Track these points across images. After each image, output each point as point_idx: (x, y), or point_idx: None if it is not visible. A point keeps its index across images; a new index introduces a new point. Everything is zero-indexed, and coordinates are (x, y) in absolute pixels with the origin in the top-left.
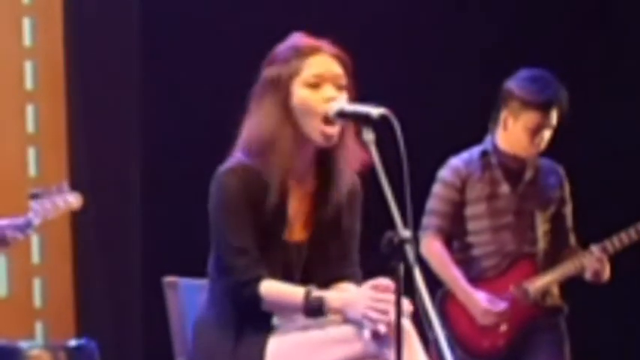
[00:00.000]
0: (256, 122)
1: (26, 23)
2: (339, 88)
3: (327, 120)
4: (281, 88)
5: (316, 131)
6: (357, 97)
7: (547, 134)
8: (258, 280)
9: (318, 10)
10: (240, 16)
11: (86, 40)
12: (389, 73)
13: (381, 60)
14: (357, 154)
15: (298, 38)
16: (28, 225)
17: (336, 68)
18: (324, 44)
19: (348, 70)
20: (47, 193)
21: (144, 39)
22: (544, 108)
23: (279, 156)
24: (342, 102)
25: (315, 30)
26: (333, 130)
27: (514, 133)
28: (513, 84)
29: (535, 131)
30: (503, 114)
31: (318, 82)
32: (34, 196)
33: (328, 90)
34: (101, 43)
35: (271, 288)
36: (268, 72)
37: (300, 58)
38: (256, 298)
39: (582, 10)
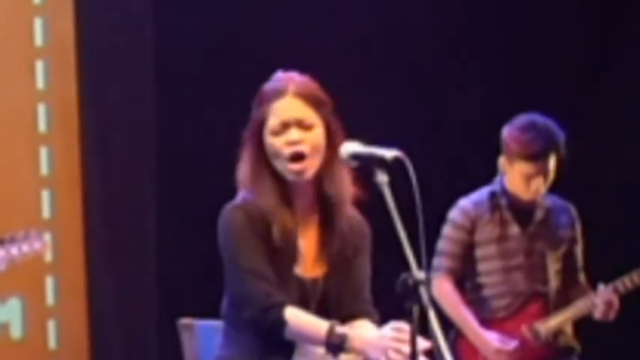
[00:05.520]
0: (243, 165)
1: (39, 66)
2: (306, 128)
3: (293, 158)
4: (255, 134)
5: (285, 170)
6: (342, 125)
7: (545, 180)
8: (282, 305)
9: (332, 42)
10: (256, 49)
11: (99, 82)
12: (399, 112)
13: (390, 99)
14: (350, 188)
15: (271, 81)
16: None
17: (299, 111)
18: (290, 84)
19: (320, 104)
20: (13, 239)
21: (158, 81)
22: (534, 159)
23: (263, 196)
24: (354, 144)
25: (328, 64)
26: (299, 165)
27: (512, 178)
28: (506, 132)
29: (529, 179)
30: (502, 159)
31: (282, 130)
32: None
33: (293, 133)
34: (115, 85)
35: (296, 315)
36: (252, 115)
37: (266, 104)
38: (281, 323)
39: (584, 54)
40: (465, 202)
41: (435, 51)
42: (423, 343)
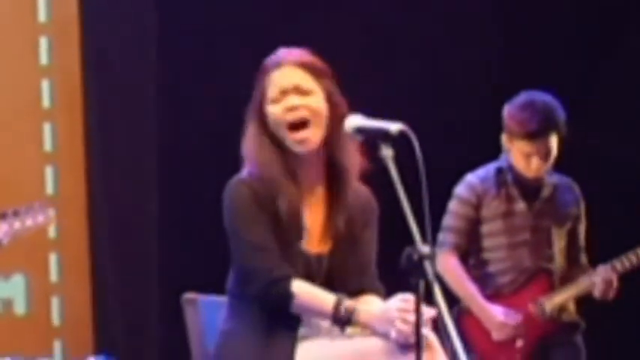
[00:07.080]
0: (246, 142)
1: (43, 42)
2: (304, 93)
3: (293, 127)
4: (256, 109)
5: (288, 141)
6: (344, 95)
7: (546, 159)
8: (288, 278)
9: (336, 35)
10: (256, 47)
11: (103, 58)
12: (405, 87)
13: (397, 73)
14: (358, 161)
15: (270, 56)
16: None
17: (295, 77)
18: (287, 55)
19: (319, 72)
20: (16, 213)
21: (161, 57)
22: (532, 137)
23: (267, 169)
24: (358, 118)
25: (334, 54)
26: (302, 134)
27: (514, 156)
28: (506, 110)
29: (528, 157)
30: (504, 137)
31: (281, 97)
32: (2, 217)
33: (291, 99)
34: (118, 61)
35: (303, 288)
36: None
37: (264, 77)
38: (287, 296)
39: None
40: (471, 178)
41: (447, 26)
42: (428, 311)
